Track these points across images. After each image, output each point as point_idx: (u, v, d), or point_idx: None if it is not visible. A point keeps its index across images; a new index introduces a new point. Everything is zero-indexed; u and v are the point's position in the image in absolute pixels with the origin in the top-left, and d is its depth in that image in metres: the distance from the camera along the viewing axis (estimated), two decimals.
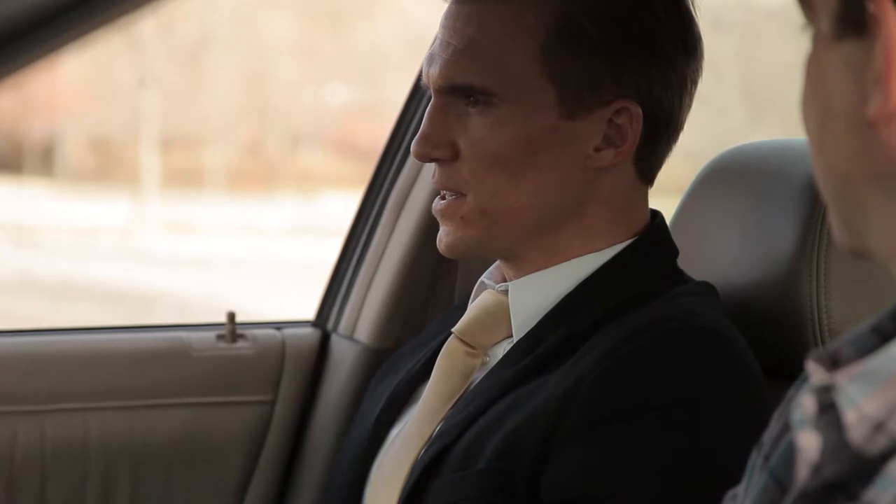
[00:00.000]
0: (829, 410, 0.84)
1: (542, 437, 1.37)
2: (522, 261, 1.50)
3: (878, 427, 0.80)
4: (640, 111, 1.45)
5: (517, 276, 1.50)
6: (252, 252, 10.50)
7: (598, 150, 1.45)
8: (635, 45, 1.44)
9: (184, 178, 12.55)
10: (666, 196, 1.55)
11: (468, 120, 1.46)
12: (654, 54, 1.45)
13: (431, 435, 1.49)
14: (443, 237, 1.49)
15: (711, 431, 1.36)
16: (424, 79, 1.50)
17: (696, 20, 1.49)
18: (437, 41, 1.49)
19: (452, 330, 1.53)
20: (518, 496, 1.37)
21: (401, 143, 2.04)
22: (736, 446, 1.20)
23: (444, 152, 1.47)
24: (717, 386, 1.38)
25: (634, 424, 1.35)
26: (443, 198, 1.49)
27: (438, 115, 1.47)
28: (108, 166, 13.08)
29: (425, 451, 1.46)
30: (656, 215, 1.53)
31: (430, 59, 1.49)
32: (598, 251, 1.48)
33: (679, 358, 1.38)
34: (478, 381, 1.50)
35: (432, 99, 1.49)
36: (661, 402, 1.36)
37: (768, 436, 0.94)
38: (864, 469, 0.80)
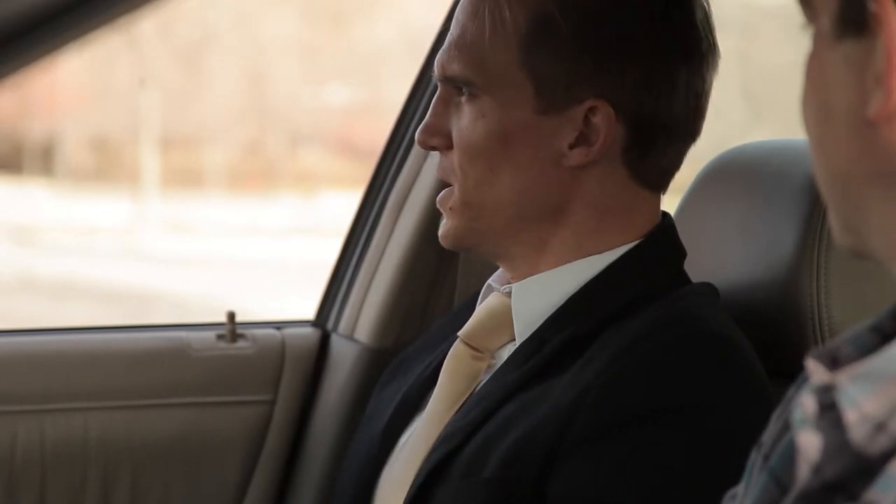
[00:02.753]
0: (829, 410, 0.84)
1: (549, 445, 1.36)
2: (513, 260, 1.50)
3: (880, 427, 0.80)
4: (612, 111, 1.44)
5: (516, 278, 1.50)
6: (252, 252, 10.50)
7: (571, 147, 1.46)
8: (612, 45, 1.44)
9: (184, 178, 12.55)
10: (666, 196, 1.54)
11: (460, 110, 1.49)
12: (634, 55, 1.44)
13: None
14: (440, 227, 1.52)
15: (719, 437, 1.35)
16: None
17: (699, 24, 1.47)
18: (448, 34, 1.51)
19: (458, 334, 1.53)
20: None
21: (401, 143, 2.04)
22: (744, 451, 1.19)
23: (439, 141, 1.50)
24: (723, 391, 1.37)
25: (643, 431, 1.34)
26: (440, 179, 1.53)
27: (440, 104, 1.50)
28: (108, 166, 13.08)
29: (429, 456, 1.45)
30: (664, 216, 1.52)
31: (439, 51, 1.52)
32: (598, 253, 1.48)
33: (686, 364, 1.37)
34: (482, 384, 1.49)
35: (437, 90, 1.52)
36: (669, 409, 1.35)
37: (768, 435, 0.94)
38: (865, 469, 0.80)
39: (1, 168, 12.72)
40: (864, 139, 0.81)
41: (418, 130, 1.51)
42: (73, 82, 12.78)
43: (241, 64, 13.50)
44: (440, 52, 1.51)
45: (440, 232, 1.52)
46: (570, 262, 1.48)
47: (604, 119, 1.44)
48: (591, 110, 1.44)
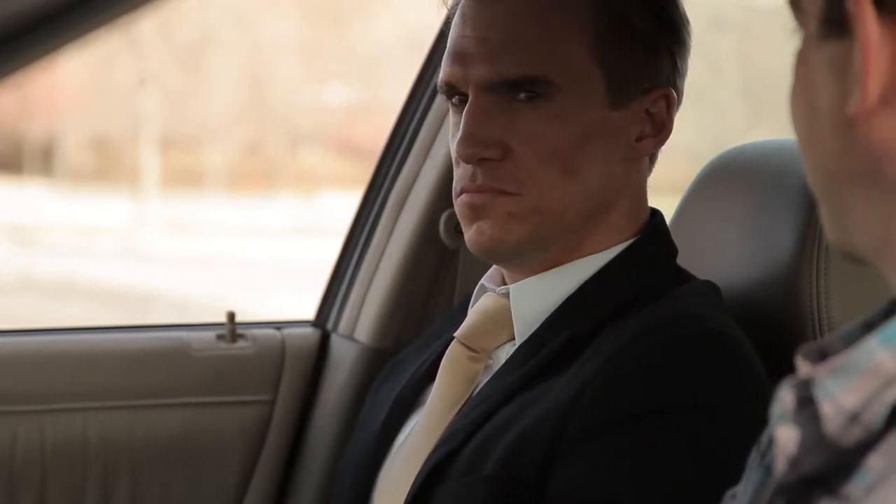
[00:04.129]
0: (807, 404, 0.84)
1: (548, 443, 1.36)
2: (538, 264, 1.47)
3: (853, 418, 0.81)
4: (676, 97, 1.48)
5: (519, 279, 1.49)
6: (252, 252, 10.50)
7: (639, 139, 1.46)
8: (666, 34, 1.47)
9: (184, 178, 12.56)
10: (666, 196, 1.55)
11: (518, 115, 1.43)
12: (679, 43, 1.48)
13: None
14: (485, 230, 1.44)
15: (718, 436, 1.34)
16: (451, 80, 1.46)
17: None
18: (466, 39, 1.45)
19: (455, 334, 1.52)
20: (524, 503, 1.37)
21: (401, 143, 2.04)
22: (743, 450, 1.19)
23: (494, 151, 1.43)
24: (722, 391, 1.37)
25: (640, 430, 1.34)
26: (478, 191, 1.44)
27: (482, 113, 1.43)
28: (108, 166, 13.09)
29: (430, 456, 1.45)
30: (655, 213, 1.53)
31: (463, 58, 1.45)
32: (603, 251, 1.48)
33: (683, 363, 1.37)
34: (482, 385, 1.49)
35: (470, 99, 1.44)
36: (666, 408, 1.35)
37: (766, 435, 0.94)
38: (842, 462, 0.80)
39: (1, 168, 12.72)
40: (846, 138, 0.82)
41: (462, 144, 1.43)
42: (73, 82, 12.78)
43: (241, 64, 13.51)
44: (474, 59, 1.44)
45: (485, 235, 1.44)
46: (576, 260, 1.48)
47: (667, 107, 1.47)
48: (654, 100, 1.46)
